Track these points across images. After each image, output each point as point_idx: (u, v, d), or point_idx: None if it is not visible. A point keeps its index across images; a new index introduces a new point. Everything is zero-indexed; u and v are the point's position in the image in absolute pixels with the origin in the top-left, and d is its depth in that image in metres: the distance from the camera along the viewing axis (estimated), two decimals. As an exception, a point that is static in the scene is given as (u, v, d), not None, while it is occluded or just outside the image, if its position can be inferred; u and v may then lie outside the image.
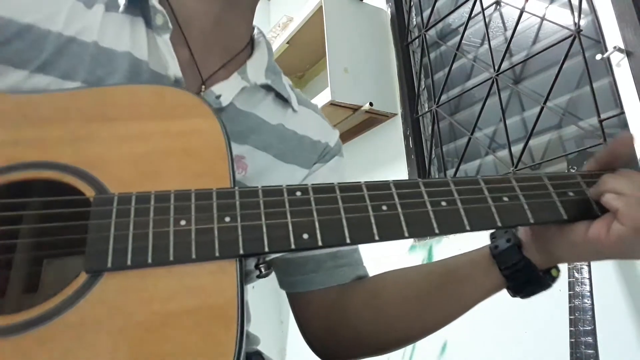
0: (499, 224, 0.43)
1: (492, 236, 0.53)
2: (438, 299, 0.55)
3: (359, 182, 0.43)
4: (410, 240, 1.60)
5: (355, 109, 1.71)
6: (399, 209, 0.41)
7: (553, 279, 0.50)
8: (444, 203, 0.42)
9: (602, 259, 0.46)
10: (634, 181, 0.43)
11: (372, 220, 0.40)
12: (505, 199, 0.44)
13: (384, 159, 1.81)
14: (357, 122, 1.85)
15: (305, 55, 2.11)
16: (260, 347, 0.66)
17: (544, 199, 0.45)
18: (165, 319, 0.34)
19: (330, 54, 1.70)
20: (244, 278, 0.38)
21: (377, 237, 0.40)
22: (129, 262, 0.35)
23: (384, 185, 0.43)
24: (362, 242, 0.40)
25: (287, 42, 2.02)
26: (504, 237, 0.51)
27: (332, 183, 0.42)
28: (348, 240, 0.39)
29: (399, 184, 0.43)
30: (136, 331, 0.33)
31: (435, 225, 0.41)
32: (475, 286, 0.53)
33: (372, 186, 0.43)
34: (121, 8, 0.53)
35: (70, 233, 0.37)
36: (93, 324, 0.33)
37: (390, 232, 0.40)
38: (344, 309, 0.59)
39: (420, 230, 0.41)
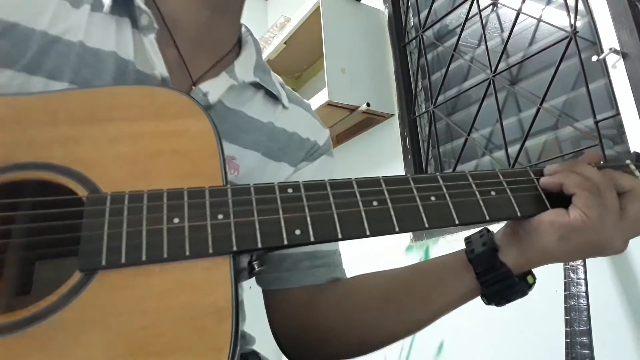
0: (487, 218, 0.43)
1: (468, 240, 0.51)
2: (405, 302, 0.53)
3: (350, 178, 0.43)
4: (407, 241, 1.60)
5: (352, 109, 1.72)
6: (389, 204, 0.42)
7: (529, 286, 0.48)
8: (433, 198, 0.43)
9: (575, 258, 0.46)
10: (590, 171, 0.44)
11: (363, 216, 0.41)
12: (493, 192, 0.44)
13: (381, 160, 1.82)
14: (354, 123, 1.86)
15: (302, 56, 2.11)
16: (257, 347, 0.66)
17: (530, 192, 0.45)
18: (160, 316, 0.34)
19: (328, 54, 1.70)
20: (238, 275, 0.38)
21: (368, 232, 0.40)
22: (123, 260, 0.35)
23: (374, 181, 0.43)
24: (353, 237, 0.40)
25: (285, 43, 2.02)
26: (480, 241, 0.49)
27: (323, 180, 0.42)
28: (340, 236, 0.39)
29: (388, 180, 0.43)
30: (130, 328, 0.33)
31: (425, 219, 0.42)
32: (445, 290, 0.51)
33: (363, 182, 0.43)
34: (106, 8, 0.52)
35: (64, 232, 0.36)
36: (88, 322, 0.33)
37: (381, 227, 0.41)
38: (315, 310, 0.58)
39: (411, 224, 0.41)
